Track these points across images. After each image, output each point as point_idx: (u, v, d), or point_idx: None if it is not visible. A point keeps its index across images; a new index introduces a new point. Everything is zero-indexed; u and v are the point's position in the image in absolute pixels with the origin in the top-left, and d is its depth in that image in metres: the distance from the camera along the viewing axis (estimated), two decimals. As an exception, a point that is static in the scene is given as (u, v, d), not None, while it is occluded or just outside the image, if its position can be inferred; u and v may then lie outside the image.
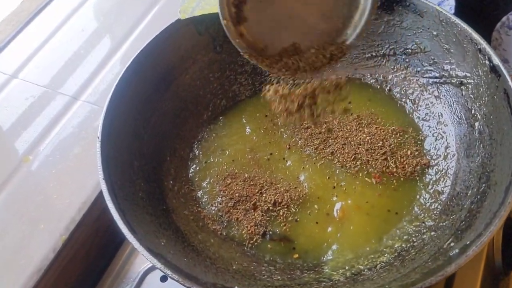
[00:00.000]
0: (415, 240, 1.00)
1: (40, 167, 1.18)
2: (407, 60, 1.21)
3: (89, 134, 1.23)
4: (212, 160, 1.19)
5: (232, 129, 1.24)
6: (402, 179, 1.10)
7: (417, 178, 1.10)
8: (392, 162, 1.13)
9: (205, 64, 1.26)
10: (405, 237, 1.02)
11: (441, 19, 1.10)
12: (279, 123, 1.24)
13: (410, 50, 1.19)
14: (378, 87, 1.25)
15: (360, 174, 1.13)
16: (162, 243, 0.95)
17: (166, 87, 1.20)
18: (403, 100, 1.22)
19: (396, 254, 0.98)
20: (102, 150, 0.99)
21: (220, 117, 1.27)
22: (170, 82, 1.20)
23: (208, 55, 1.25)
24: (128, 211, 0.95)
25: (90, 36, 1.45)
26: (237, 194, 1.12)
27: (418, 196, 1.08)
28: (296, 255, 1.04)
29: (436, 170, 1.09)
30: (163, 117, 1.19)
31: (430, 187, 1.08)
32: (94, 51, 1.41)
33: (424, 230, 1.00)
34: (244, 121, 1.25)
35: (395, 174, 1.11)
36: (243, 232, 1.07)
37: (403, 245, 1.00)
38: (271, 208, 1.09)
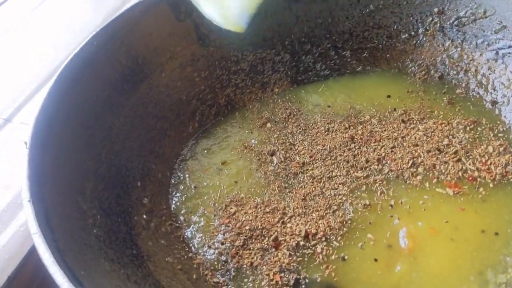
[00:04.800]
0: (545, 268, 0.62)
1: None
2: (461, 32, 0.90)
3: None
4: (205, 183, 0.82)
5: (231, 141, 0.88)
6: (491, 185, 0.75)
7: (513, 180, 0.75)
8: (469, 164, 0.78)
9: (187, 59, 0.92)
10: (525, 265, 0.64)
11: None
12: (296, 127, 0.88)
13: (464, 19, 0.89)
14: (424, 74, 0.92)
15: (427, 184, 0.77)
16: (132, 305, 0.55)
17: (133, 88, 0.85)
18: (463, 84, 0.89)
19: (522, 293, 0.60)
20: (32, 162, 0.62)
21: (212, 129, 0.91)
22: (138, 81, 0.86)
23: (190, 48, 0.92)
24: (71, 253, 0.57)
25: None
26: (247, 227, 0.74)
27: (523, 205, 0.71)
28: (353, 313, 0.65)
29: (540, 166, 0.74)
30: (130, 127, 0.83)
31: (538, 190, 0.72)
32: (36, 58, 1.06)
33: (555, 252, 0.63)
34: (247, 131, 0.89)
35: (478, 179, 0.76)
36: (264, 283, 0.69)
37: (527, 278, 0.62)
38: (302, 243, 0.72)
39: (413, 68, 0.94)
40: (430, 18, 0.92)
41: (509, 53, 0.84)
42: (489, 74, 0.86)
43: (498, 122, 0.83)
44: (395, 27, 0.95)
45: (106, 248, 0.64)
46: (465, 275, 0.66)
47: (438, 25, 0.92)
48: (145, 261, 0.67)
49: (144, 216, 0.75)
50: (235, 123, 0.92)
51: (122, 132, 0.81)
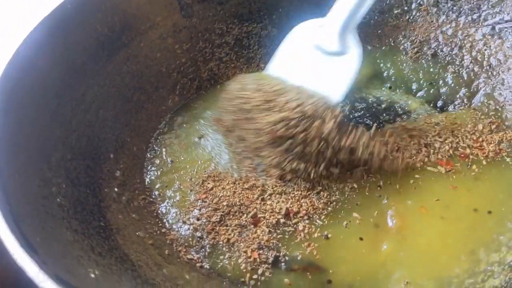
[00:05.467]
0: (541, 246, 0.58)
1: None
2: (457, 7, 0.85)
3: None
4: (182, 158, 0.78)
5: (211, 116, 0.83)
6: (484, 162, 0.71)
7: (508, 158, 0.71)
8: (460, 141, 0.73)
9: (168, 30, 0.87)
10: (520, 244, 0.60)
11: None
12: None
13: (459, -7, 0.85)
14: (416, 51, 0.88)
15: (418, 164, 0.72)
16: (92, 276, 0.50)
17: (109, 57, 0.80)
18: (457, 62, 0.85)
19: (517, 271, 0.56)
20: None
21: (192, 103, 0.86)
22: (115, 50, 0.81)
23: (172, 18, 0.87)
24: (28, 219, 0.52)
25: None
26: (225, 203, 0.69)
27: (518, 184, 0.68)
28: (334, 293, 0.61)
29: (537, 144, 0.71)
30: (105, 97, 0.78)
31: (534, 168, 0.68)
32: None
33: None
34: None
35: (470, 156, 0.72)
36: (240, 260, 0.64)
37: (523, 256, 0.58)
38: (282, 220, 0.67)
39: (405, 45, 0.90)
40: (424, -8, 0.88)
41: (506, 28, 0.80)
42: (485, 50, 0.82)
43: (491, 101, 0.79)
44: (387, 2, 0.91)
45: (69, 218, 0.59)
46: (456, 254, 0.62)
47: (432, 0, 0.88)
48: (114, 234, 0.62)
49: (116, 189, 0.70)
50: (217, 97, 0.87)
51: (96, 102, 0.76)
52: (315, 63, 0.77)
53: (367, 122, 0.83)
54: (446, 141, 0.74)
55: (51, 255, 0.49)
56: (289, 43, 0.81)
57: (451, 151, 0.73)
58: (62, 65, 0.72)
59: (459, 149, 0.73)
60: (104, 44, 0.79)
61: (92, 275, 0.50)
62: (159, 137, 0.81)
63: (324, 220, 0.67)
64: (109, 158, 0.74)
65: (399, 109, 0.85)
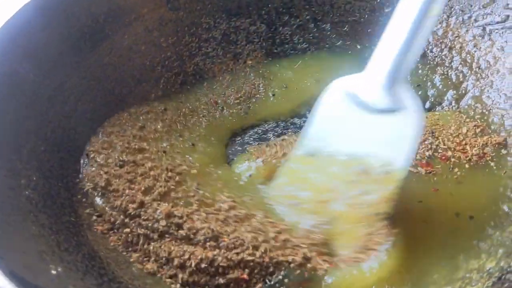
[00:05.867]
0: (522, 254, 0.56)
1: None
2: (448, 7, 0.84)
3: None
4: (164, 153, 0.76)
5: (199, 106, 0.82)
6: (466, 165, 0.70)
7: (492, 163, 0.70)
8: (440, 143, 0.72)
9: (154, 23, 0.86)
10: (500, 251, 0.59)
11: None
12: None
13: (450, -7, 0.83)
14: (406, 51, 0.86)
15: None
16: (53, 272, 0.49)
17: (91, 48, 0.79)
18: (446, 63, 0.83)
19: (494, 279, 0.55)
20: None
21: (177, 98, 0.85)
22: (98, 41, 0.79)
23: (158, 10, 0.86)
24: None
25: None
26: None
27: (501, 189, 0.67)
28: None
29: (523, 150, 0.69)
30: (85, 89, 0.77)
31: (519, 174, 0.67)
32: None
33: (533, 237, 0.58)
34: (219, 101, 0.84)
35: (452, 159, 0.70)
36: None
37: (502, 264, 0.57)
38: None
39: (395, 45, 0.88)
40: (415, -8, 0.86)
41: (497, 29, 0.78)
42: (474, 51, 0.80)
43: (479, 105, 0.77)
44: (378, 0, 0.89)
45: (37, 212, 0.57)
46: (435, 260, 0.61)
47: (423, -1, 0.86)
48: (84, 230, 0.61)
49: (90, 185, 0.69)
50: (204, 92, 0.85)
51: (75, 93, 0.74)
52: (362, 124, 0.64)
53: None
54: (425, 142, 0.72)
55: (10, 250, 0.47)
56: (324, 105, 0.67)
57: (430, 152, 0.71)
58: (41, 53, 0.71)
59: (439, 151, 0.71)
60: (87, 35, 0.78)
61: (54, 272, 0.49)
62: (139, 132, 0.79)
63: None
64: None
65: (386, 110, 0.83)
